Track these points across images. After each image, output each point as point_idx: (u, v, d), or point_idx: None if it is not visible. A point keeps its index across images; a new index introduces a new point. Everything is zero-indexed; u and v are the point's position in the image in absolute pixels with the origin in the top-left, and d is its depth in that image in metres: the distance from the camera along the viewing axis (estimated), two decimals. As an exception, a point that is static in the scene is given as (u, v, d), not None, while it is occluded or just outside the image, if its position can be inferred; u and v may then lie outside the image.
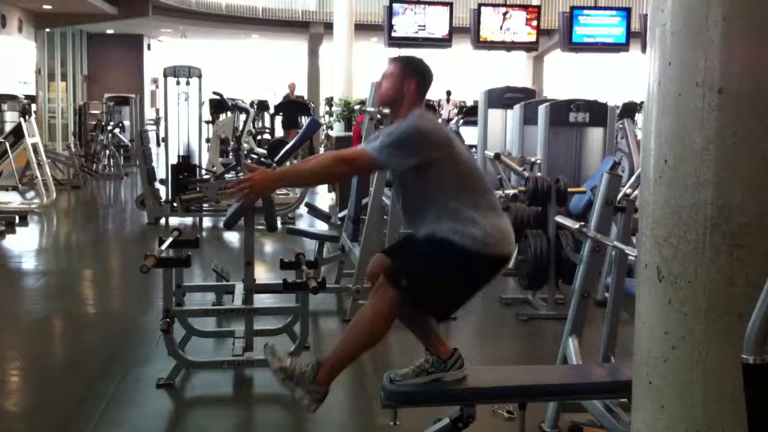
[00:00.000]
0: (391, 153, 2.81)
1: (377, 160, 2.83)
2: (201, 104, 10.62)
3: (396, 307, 2.77)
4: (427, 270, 2.81)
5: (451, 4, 12.96)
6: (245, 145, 10.65)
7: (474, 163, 3.01)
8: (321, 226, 7.14)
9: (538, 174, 6.34)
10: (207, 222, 9.37)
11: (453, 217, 2.79)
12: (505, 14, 12.78)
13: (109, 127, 14.80)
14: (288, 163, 10.94)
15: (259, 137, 14.84)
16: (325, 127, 15.14)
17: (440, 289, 2.83)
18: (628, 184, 4.83)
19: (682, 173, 1.83)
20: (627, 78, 25.48)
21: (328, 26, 19.17)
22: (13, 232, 8.61)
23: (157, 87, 22.20)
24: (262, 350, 4.30)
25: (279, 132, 15.90)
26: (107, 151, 14.56)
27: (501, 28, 12.51)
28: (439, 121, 3.02)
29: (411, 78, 2.97)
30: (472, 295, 2.98)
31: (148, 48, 24.24)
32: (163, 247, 4.29)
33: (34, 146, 10.00)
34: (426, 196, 2.86)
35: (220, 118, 12.58)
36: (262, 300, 4.94)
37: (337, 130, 14.59)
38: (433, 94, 13.73)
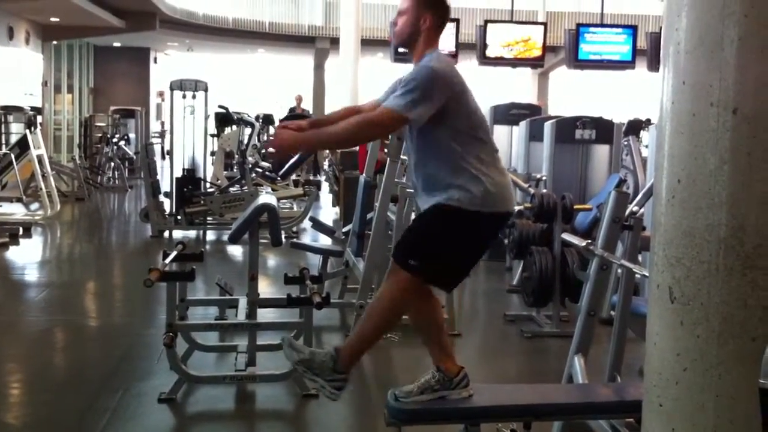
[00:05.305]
0: (415, 104, 2.69)
1: (405, 115, 2.70)
2: (206, 117, 10.62)
3: (409, 288, 2.75)
4: (430, 242, 2.78)
5: (457, 20, 12.98)
6: (250, 158, 10.65)
7: (483, 115, 2.92)
8: (325, 241, 7.12)
9: (544, 191, 6.32)
10: (211, 235, 9.36)
11: (455, 176, 2.75)
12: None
13: (115, 140, 14.84)
14: (293, 177, 11.09)
15: (263, 151, 14.84)
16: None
17: (447, 257, 2.80)
18: (635, 201, 4.80)
19: (695, 193, 1.82)
20: (632, 95, 25.54)
21: (335, 41, 19.22)
22: (17, 243, 8.61)
23: (162, 100, 22.25)
24: (269, 356, 4.33)
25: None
26: (112, 164, 14.59)
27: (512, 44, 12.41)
28: None
29: (426, 12, 2.87)
30: (480, 257, 2.97)
31: (155, 61, 24.34)
32: (168, 260, 4.28)
33: (39, 158, 10.01)
34: (433, 152, 2.79)
35: (226, 132, 12.58)
36: (265, 315, 4.90)
37: (342, 145, 14.58)
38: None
